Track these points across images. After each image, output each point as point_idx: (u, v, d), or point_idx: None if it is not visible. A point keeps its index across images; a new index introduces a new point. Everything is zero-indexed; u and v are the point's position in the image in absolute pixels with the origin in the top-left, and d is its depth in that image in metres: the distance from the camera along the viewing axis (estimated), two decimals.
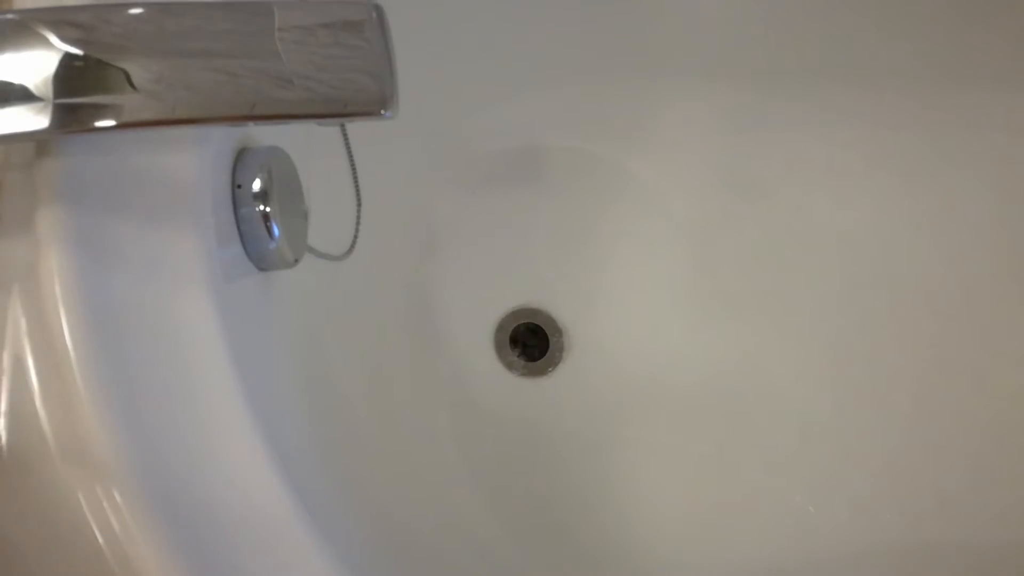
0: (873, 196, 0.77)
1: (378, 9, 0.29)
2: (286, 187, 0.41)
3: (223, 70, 0.30)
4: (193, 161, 0.35)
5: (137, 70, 0.29)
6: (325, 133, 0.55)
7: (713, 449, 0.72)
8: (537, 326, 0.79)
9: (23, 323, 0.33)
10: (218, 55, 0.30)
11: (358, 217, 0.62)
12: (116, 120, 0.29)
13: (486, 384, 0.76)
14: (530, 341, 0.79)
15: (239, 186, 0.38)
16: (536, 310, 0.79)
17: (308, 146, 0.45)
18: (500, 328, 0.78)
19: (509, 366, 0.77)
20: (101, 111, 0.29)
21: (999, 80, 0.72)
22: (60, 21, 0.30)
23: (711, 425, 0.73)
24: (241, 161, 0.39)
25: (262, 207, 0.39)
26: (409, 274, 0.75)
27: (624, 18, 0.74)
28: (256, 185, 0.38)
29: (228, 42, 0.30)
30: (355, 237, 0.61)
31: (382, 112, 0.29)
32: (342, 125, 0.49)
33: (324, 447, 0.49)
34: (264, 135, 0.41)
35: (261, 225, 0.39)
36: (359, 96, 0.28)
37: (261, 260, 0.40)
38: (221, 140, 0.37)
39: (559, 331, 0.79)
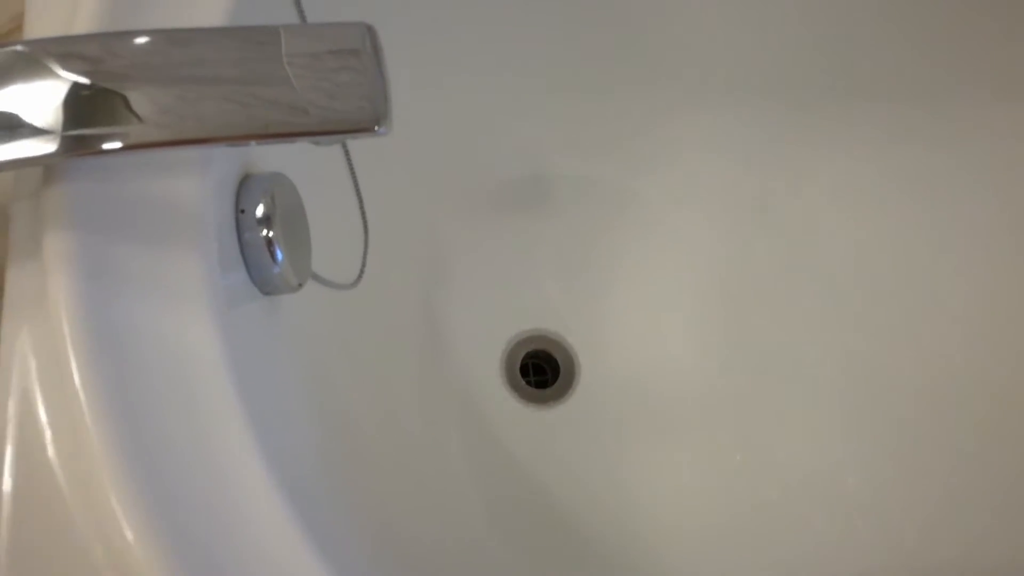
0: (886, 210, 0.76)
1: (371, 31, 0.29)
2: (289, 212, 0.41)
3: (230, 97, 0.31)
4: (197, 187, 0.35)
5: (143, 99, 0.30)
6: (329, 161, 0.55)
7: (725, 467, 0.71)
8: (547, 352, 0.79)
9: (33, 363, 0.33)
10: (226, 82, 0.31)
11: (365, 246, 0.62)
12: (123, 142, 0.29)
13: (497, 410, 0.75)
14: (540, 367, 0.79)
15: (243, 211, 0.38)
16: (546, 336, 0.79)
17: (312, 173, 0.46)
18: (510, 355, 0.78)
19: (519, 392, 0.77)
20: (108, 139, 0.30)
21: (1011, 90, 0.72)
22: (67, 53, 0.31)
23: (722, 444, 0.73)
24: (244, 187, 0.39)
25: (266, 232, 0.39)
26: (416, 302, 0.76)
27: (626, 39, 0.75)
28: (259, 210, 0.39)
29: (234, 69, 0.31)
30: (363, 266, 0.62)
31: (376, 128, 0.29)
32: (344, 148, 0.50)
33: (332, 470, 0.49)
34: (268, 162, 0.42)
35: (264, 250, 0.39)
36: (355, 115, 0.29)
37: (265, 284, 0.40)
38: (224, 166, 0.38)
39: (569, 356, 0.78)
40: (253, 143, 0.30)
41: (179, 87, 0.30)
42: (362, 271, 0.61)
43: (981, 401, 0.67)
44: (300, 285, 0.42)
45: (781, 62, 0.75)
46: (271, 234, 0.39)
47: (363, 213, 0.57)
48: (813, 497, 0.70)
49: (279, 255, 0.40)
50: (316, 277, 0.51)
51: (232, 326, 0.37)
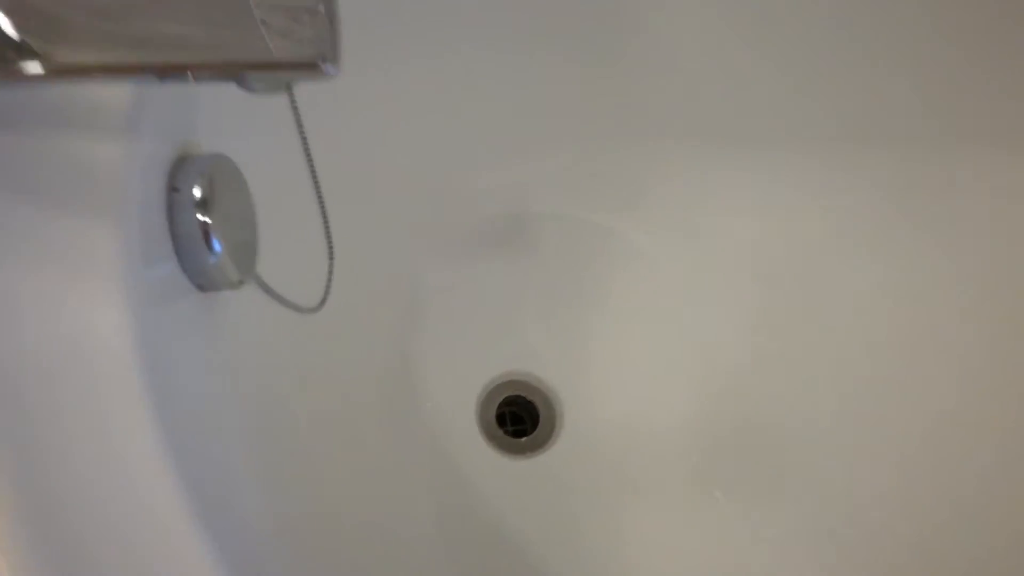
0: (885, 257, 0.73)
1: None
2: (232, 200, 0.37)
3: (172, 17, 0.26)
4: (120, 154, 0.31)
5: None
6: (295, 167, 0.51)
7: (708, 529, 0.65)
8: (525, 398, 0.73)
9: None
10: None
11: (330, 268, 0.58)
12: (46, 67, 0.25)
13: (471, 460, 0.69)
14: (518, 415, 0.73)
15: (176, 189, 0.34)
16: (525, 382, 0.74)
17: (272, 175, 0.42)
18: (486, 401, 0.73)
19: (495, 442, 0.71)
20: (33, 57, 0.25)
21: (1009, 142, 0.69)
22: None
23: (707, 505, 0.67)
24: (181, 166, 0.35)
25: (201, 216, 0.35)
26: (386, 340, 0.71)
27: (621, 84, 0.72)
28: (196, 192, 0.35)
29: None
30: (327, 290, 0.57)
31: (323, 66, 0.25)
32: (306, 149, 0.46)
33: (281, 522, 0.43)
34: (213, 146, 0.38)
35: (199, 237, 0.35)
36: (304, 50, 0.25)
37: (199, 276, 0.36)
38: (158, 140, 0.34)
39: (549, 404, 0.73)
40: (191, 77, 0.25)
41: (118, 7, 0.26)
42: (326, 296, 0.57)
43: (988, 447, 0.62)
44: (241, 282, 0.37)
45: (774, 114, 0.72)
46: (208, 220, 0.35)
47: (327, 226, 0.53)
48: (798, 564, 0.64)
49: (216, 245, 0.35)
50: (268, 290, 0.46)
51: (153, 319, 0.33)
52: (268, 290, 0.45)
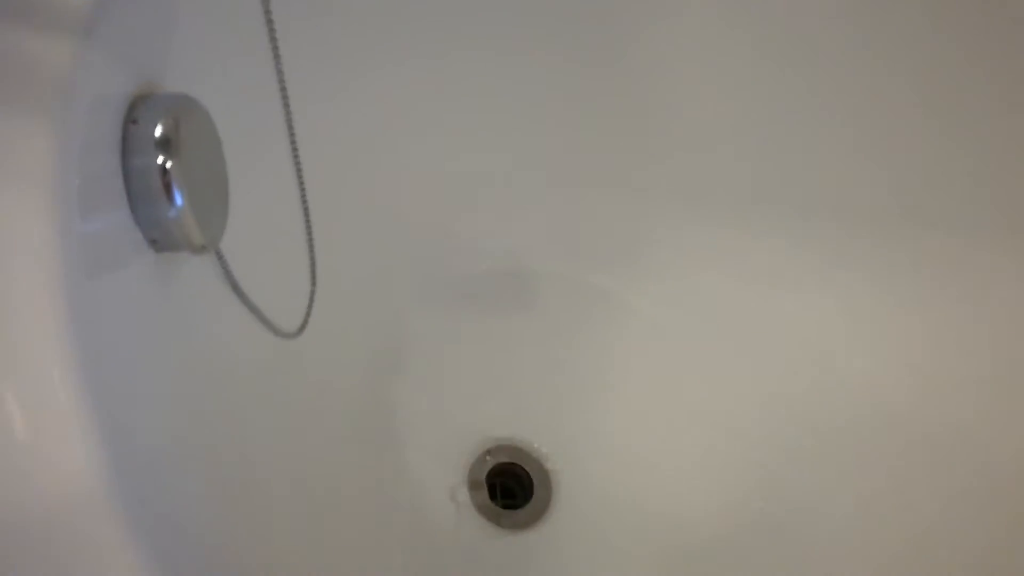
0: (887, 340, 0.68)
1: None
2: (201, 151, 0.32)
3: None
4: (70, 56, 0.26)
5: None
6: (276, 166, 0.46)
7: None
8: (518, 466, 0.66)
9: None
10: None
11: (311, 296, 0.52)
12: None
13: (455, 532, 0.61)
14: (509, 485, 0.66)
15: (134, 122, 0.29)
16: (517, 448, 0.67)
17: (241, 119, 0.37)
18: (474, 467, 0.65)
19: (485, 513, 0.63)
20: None
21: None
22: None
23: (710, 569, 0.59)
24: (142, 100, 0.30)
25: (163, 159, 0.29)
26: (370, 393, 0.64)
27: (628, 141, 0.69)
28: (158, 129, 0.29)
29: None
30: (306, 317, 0.51)
31: None
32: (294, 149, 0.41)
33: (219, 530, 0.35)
34: (182, 82, 0.33)
35: (159, 183, 0.29)
36: None
37: (154, 230, 0.30)
38: (119, 62, 0.29)
39: (544, 472, 0.65)
40: None
41: None
42: (305, 322, 0.51)
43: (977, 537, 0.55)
44: (204, 247, 0.31)
45: (781, 187, 0.69)
46: (170, 164, 0.29)
47: (311, 246, 0.47)
48: None
49: (178, 195, 0.29)
50: (243, 297, 0.40)
51: (93, 278, 0.26)
52: (243, 298, 0.39)
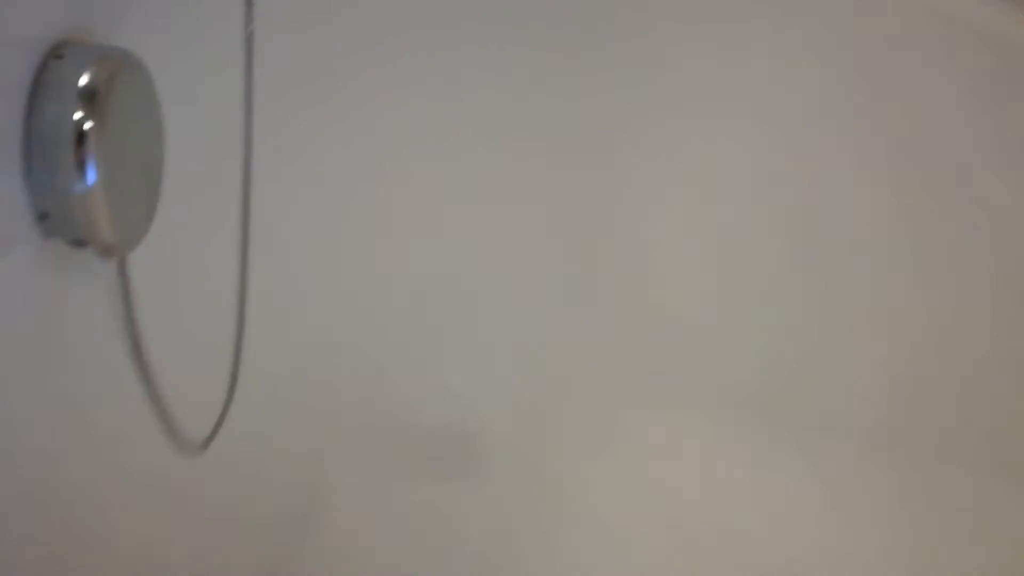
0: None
1: None
2: (135, 122, 0.25)
3: None
4: None
5: None
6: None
7: None
8: None
9: None
10: None
11: (226, 407, 0.43)
12: None
13: None
14: None
15: (59, 56, 0.22)
16: None
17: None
18: None
19: None
20: None
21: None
22: None
23: None
24: (70, 44, 0.23)
25: (82, 115, 0.22)
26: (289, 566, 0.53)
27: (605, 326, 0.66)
28: (83, 79, 0.22)
29: None
30: (215, 429, 0.42)
31: None
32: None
33: None
34: (132, 42, 0.26)
35: (70, 141, 0.22)
36: None
37: (47, 201, 0.22)
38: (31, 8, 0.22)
39: None
40: None
41: None
42: (213, 435, 0.41)
43: None
44: (112, 250, 0.23)
45: (767, 383, 0.66)
46: (89, 124, 0.22)
47: (236, 360, 0.39)
48: None
49: (91, 167, 0.22)
50: (139, 358, 0.30)
51: None
52: (140, 359, 0.30)
